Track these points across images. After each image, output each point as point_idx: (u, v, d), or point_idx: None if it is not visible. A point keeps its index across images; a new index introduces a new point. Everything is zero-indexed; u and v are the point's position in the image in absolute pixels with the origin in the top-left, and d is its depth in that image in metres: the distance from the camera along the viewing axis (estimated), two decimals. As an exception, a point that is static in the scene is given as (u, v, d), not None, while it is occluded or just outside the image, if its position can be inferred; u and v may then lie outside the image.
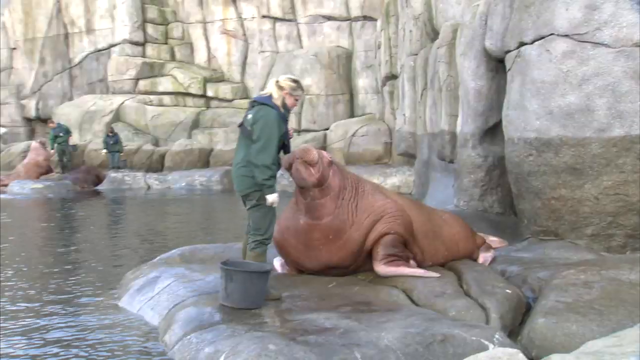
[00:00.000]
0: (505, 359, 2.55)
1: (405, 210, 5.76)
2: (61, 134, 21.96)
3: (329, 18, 24.76)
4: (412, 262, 5.68)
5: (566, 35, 6.27)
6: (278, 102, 5.23)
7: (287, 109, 5.34)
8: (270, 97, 5.24)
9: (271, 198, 5.15)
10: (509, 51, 7.00)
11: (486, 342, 4.02)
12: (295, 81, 5.38)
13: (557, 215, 6.53)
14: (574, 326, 4.38)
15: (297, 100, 5.39)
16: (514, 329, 4.80)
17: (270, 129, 5.10)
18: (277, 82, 5.31)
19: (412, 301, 5.13)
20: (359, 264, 5.67)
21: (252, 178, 5.16)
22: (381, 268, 5.53)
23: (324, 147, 20.88)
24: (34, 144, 21.91)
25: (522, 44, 6.70)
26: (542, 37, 6.44)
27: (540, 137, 6.46)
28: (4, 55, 28.94)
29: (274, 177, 5.16)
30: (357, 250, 5.57)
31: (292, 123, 5.37)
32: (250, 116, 5.23)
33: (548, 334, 4.37)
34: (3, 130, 25.97)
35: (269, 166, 5.08)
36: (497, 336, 4.14)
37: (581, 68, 6.19)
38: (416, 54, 12.84)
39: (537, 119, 6.48)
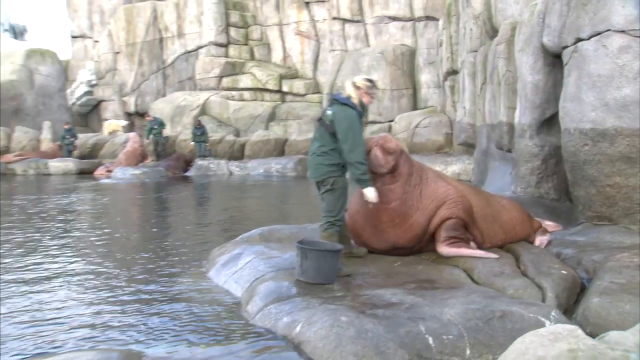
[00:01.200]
0: (565, 334, 2.47)
1: (465, 195, 5.66)
2: (156, 127, 22.59)
3: (394, 19, 24.51)
4: (472, 243, 5.58)
5: (622, 31, 6.01)
6: (355, 101, 5.23)
7: (364, 107, 5.34)
8: (349, 97, 5.24)
9: (369, 193, 5.20)
10: (566, 47, 6.78)
11: (543, 319, 3.91)
12: (370, 80, 5.38)
13: (611, 202, 6.30)
14: (628, 306, 4.21)
15: (373, 97, 5.39)
16: (568, 308, 4.66)
17: (354, 128, 5.10)
18: (354, 83, 5.31)
19: (473, 280, 5.04)
20: (422, 245, 5.61)
21: (327, 166, 5.19)
22: (443, 249, 5.46)
23: (389, 137, 20.76)
24: (132, 134, 22.59)
25: (578, 40, 6.47)
26: (599, 33, 6.20)
27: (596, 127, 6.23)
28: (110, 59, 29.99)
29: (367, 171, 5.18)
30: (422, 233, 5.50)
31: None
32: (330, 112, 5.22)
33: (602, 313, 4.22)
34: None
35: (362, 162, 5.10)
36: (553, 314, 4.03)
37: (637, 62, 5.93)
38: (476, 51, 12.57)
39: (592, 111, 6.25)
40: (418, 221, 5.46)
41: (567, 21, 6.72)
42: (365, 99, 5.30)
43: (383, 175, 5.45)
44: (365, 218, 5.60)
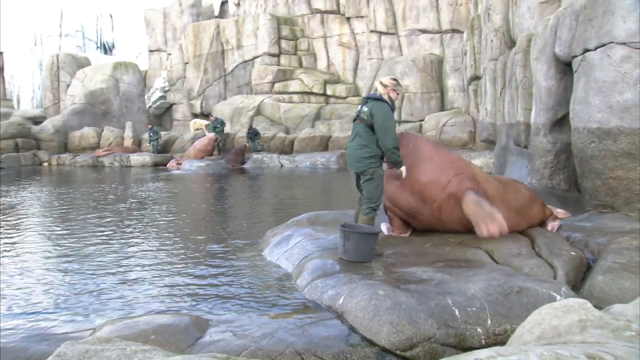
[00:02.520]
0: (576, 307, 2.47)
1: (473, 175, 5.49)
2: (218, 125, 22.88)
3: (424, 31, 24.27)
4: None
5: (624, 43, 5.89)
6: (385, 98, 5.24)
7: (392, 102, 5.34)
8: (380, 95, 5.25)
9: (404, 170, 5.28)
10: (575, 56, 6.65)
11: (554, 294, 3.89)
12: (394, 79, 5.38)
13: (614, 192, 6.19)
14: (627, 282, 4.18)
15: (398, 94, 5.38)
16: (576, 284, 4.61)
17: (388, 119, 5.12)
18: (382, 82, 5.32)
19: (494, 260, 5.00)
20: (433, 215, 5.50)
21: (367, 159, 5.18)
22: (469, 195, 5.23)
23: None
24: (212, 134, 22.78)
25: (586, 51, 6.35)
26: (603, 45, 6.08)
27: (601, 127, 6.12)
28: (180, 68, 30.47)
29: (399, 154, 5.21)
30: (434, 197, 5.37)
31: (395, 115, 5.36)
32: (366, 109, 5.20)
33: (605, 288, 4.20)
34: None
35: (396, 147, 5.13)
36: (563, 289, 4.00)
37: (636, 70, 5.81)
38: (496, 59, 12.37)
39: (598, 112, 6.14)
40: (418, 178, 5.36)
41: (576, 34, 6.60)
42: (392, 95, 5.31)
43: None
44: (387, 180, 5.54)
